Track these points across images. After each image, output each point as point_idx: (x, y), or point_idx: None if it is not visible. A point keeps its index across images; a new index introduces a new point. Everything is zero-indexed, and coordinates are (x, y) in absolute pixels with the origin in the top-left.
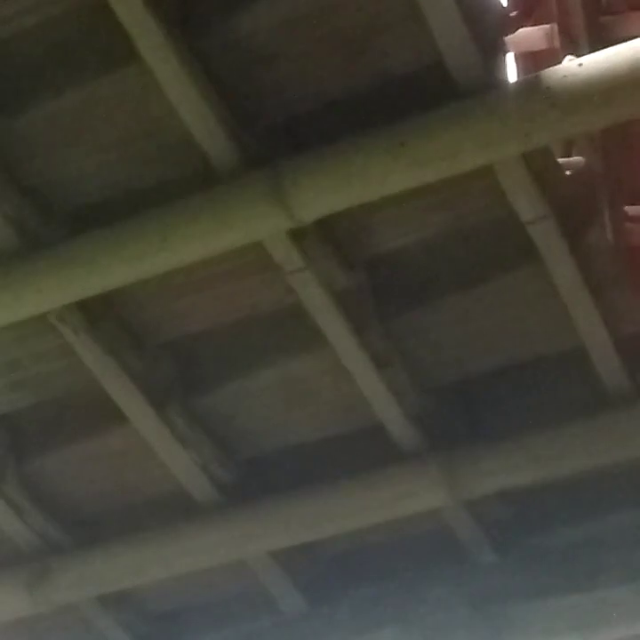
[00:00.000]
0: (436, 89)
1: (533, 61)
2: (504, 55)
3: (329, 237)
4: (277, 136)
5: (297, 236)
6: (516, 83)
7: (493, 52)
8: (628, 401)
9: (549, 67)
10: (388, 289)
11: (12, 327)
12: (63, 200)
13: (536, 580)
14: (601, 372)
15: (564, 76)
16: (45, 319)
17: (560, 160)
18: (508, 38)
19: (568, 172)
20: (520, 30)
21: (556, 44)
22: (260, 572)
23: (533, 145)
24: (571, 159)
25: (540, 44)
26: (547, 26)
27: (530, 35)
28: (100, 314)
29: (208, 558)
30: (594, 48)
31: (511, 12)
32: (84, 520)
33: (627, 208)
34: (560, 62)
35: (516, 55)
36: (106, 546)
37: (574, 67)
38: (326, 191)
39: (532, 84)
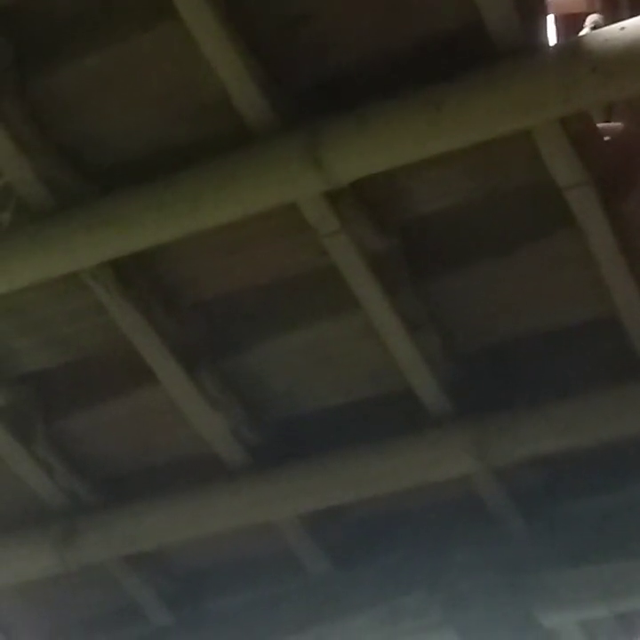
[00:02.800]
0: (474, 51)
1: (574, 23)
2: (544, 17)
3: (364, 200)
4: (314, 96)
5: (332, 198)
6: (556, 46)
7: (533, 14)
8: None
9: (586, 29)
10: (423, 253)
11: (44, 285)
12: (97, 157)
13: (565, 548)
14: (634, 341)
15: (606, 40)
16: (78, 278)
17: (599, 125)
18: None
19: (607, 138)
20: None
21: (598, 5)
22: (288, 534)
23: (573, 110)
24: (610, 124)
25: (581, 6)
26: None
27: None
28: (132, 273)
29: (235, 520)
30: (635, 11)
31: None
32: (113, 480)
33: None
34: (601, 25)
35: (555, 17)
36: (133, 506)
37: (616, 30)
38: (362, 153)
39: (572, 48)
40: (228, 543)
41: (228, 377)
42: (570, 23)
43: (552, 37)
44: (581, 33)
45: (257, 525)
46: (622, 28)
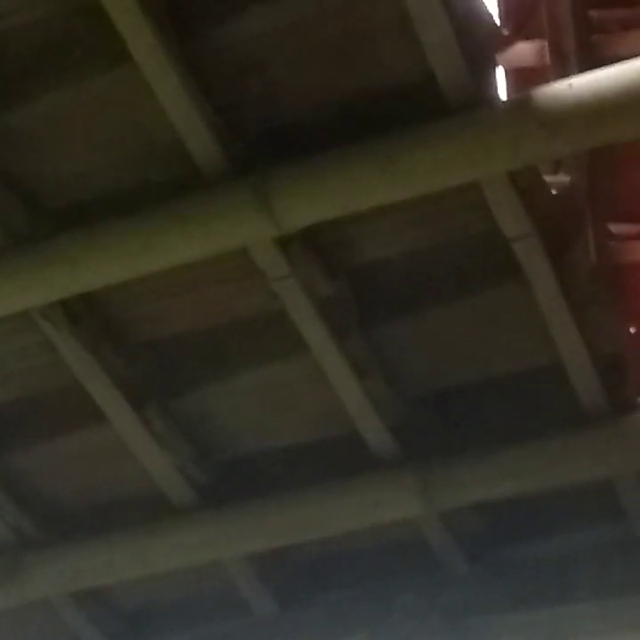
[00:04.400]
0: (425, 103)
1: (523, 77)
2: (495, 72)
3: (314, 245)
4: (265, 143)
5: (282, 243)
6: (506, 101)
7: (484, 69)
8: (605, 419)
9: (539, 83)
10: (371, 299)
11: None
12: (48, 197)
13: (508, 592)
14: (579, 390)
15: (554, 97)
16: (27, 315)
17: (546, 178)
18: (499, 54)
19: (554, 191)
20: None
21: (547, 60)
22: (234, 573)
23: (521, 163)
24: (557, 178)
25: (531, 60)
26: (537, 42)
27: (520, 50)
28: (82, 312)
29: (182, 558)
30: (584, 66)
31: (503, 28)
32: (59, 516)
33: (611, 226)
34: (550, 79)
35: (506, 70)
36: (80, 542)
37: (564, 87)
38: (312, 201)
39: (521, 103)
40: (174, 581)
41: (176, 416)
42: (520, 77)
43: (502, 90)
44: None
45: (203, 564)
46: (570, 85)
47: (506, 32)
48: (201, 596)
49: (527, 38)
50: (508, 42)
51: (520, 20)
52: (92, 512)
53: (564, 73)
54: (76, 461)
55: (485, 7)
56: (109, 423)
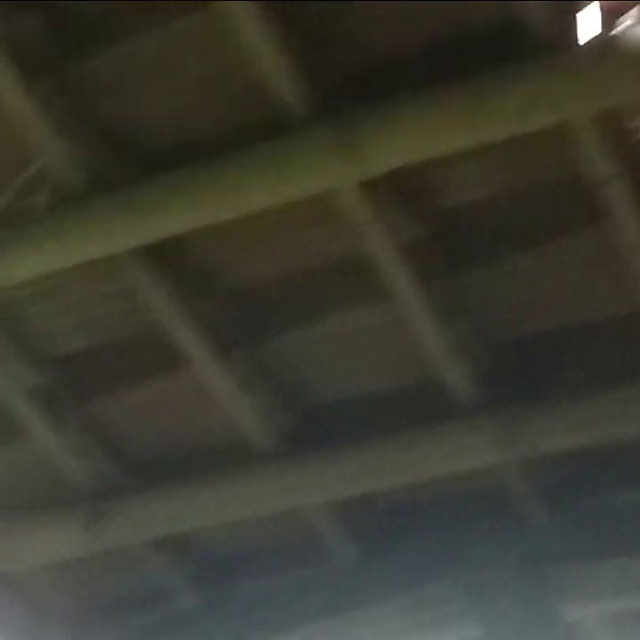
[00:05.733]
0: (511, 45)
1: (611, 14)
2: (581, 13)
3: (399, 189)
4: (352, 86)
5: (367, 187)
6: (592, 42)
7: (570, 10)
8: None
9: (627, 22)
10: (456, 243)
11: (81, 268)
12: (135, 142)
13: (587, 541)
14: None
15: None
16: (112, 261)
17: (632, 123)
18: None
19: None
20: None
21: None
22: (315, 521)
23: (607, 105)
24: None
25: None
26: None
27: None
28: (168, 257)
29: (264, 506)
30: None
31: None
32: (142, 463)
33: None
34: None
35: (601, 7)
36: (163, 489)
37: None
38: (398, 144)
39: (608, 44)
40: (257, 528)
41: (260, 362)
42: (607, 13)
43: (589, 29)
44: (619, 28)
45: (285, 511)
46: None
47: None
48: (282, 542)
49: None
50: None
51: None
52: (175, 458)
53: None
54: (161, 408)
55: None
56: (194, 370)
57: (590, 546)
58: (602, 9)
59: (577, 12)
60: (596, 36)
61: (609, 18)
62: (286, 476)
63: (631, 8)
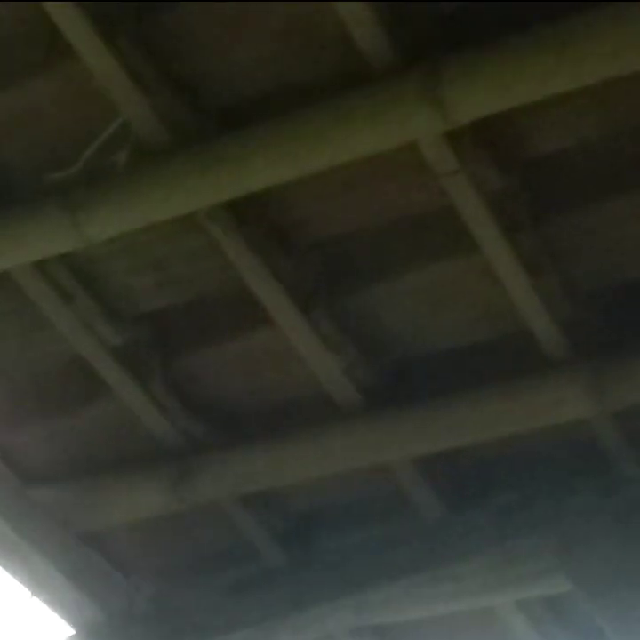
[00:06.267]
0: None
1: None
2: None
3: (484, 139)
4: (435, 33)
5: (451, 137)
6: None
7: None
8: None
9: None
10: (545, 192)
11: (161, 225)
12: (214, 95)
13: None
14: None
15: None
16: (194, 218)
17: None
18: None
19: None
20: None
21: None
22: (401, 476)
23: None
24: None
25: None
26: None
27: None
28: (249, 213)
29: (348, 461)
30: None
31: None
32: (228, 419)
33: None
34: None
35: None
36: (247, 446)
37: None
38: (484, 92)
39: None
40: (341, 484)
41: (343, 318)
42: None
43: None
44: None
45: (370, 467)
46: None
47: None
48: (368, 498)
49: None
50: None
51: None
52: (259, 415)
53: None
54: (244, 364)
55: None
56: (276, 326)
57: None
58: None
59: None
60: None
61: None
62: (370, 431)
63: None
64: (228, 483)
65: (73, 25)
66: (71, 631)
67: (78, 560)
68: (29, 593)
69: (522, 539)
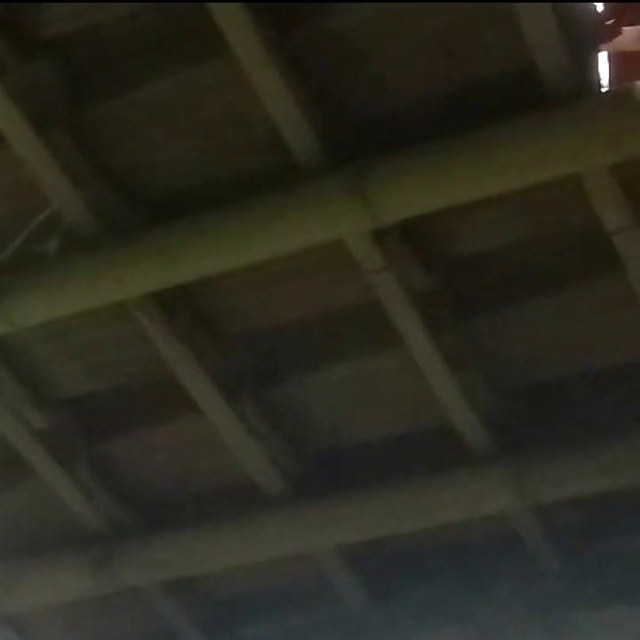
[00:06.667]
0: (526, 94)
1: (626, 62)
2: (597, 62)
3: (411, 238)
4: (364, 134)
5: (378, 235)
6: (609, 92)
7: (587, 59)
8: None
9: None
10: (467, 291)
11: (91, 312)
12: (146, 187)
13: (601, 588)
14: None
15: None
16: (123, 306)
17: None
18: (603, 44)
19: None
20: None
21: None
22: (325, 565)
23: (623, 155)
24: None
25: (634, 45)
26: None
27: (623, 35)
28: (177, 303)
29: (273, 549)
30: None
31: (607, 19)
32: (152, 505)
33: None
34: None
35: (608, 55)
36: (172, 531)
37: None
38: (410, 193)
39: (625, 95)
40: (266, 572)
41: (270, 407)
42: (622, 62)
43: (604, 77)
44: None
45: (295, 555)
46: None
47: (609, 21)
48: (292, 586)
49: (630, 23)
50: (612, 31)
51: (623, 6)
52: (184, 501)
53: None
54: (170, 451)
55: None
56: (202, 413)
57: (602, 592)
58: (612, 57)
59: (595, 61)
60: (612, 86)
61: (619, 64)
62: (295, 519)
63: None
64: (151, 568)
65: (4, 115)
66: None
67: None
68: None
69: (442, 630)
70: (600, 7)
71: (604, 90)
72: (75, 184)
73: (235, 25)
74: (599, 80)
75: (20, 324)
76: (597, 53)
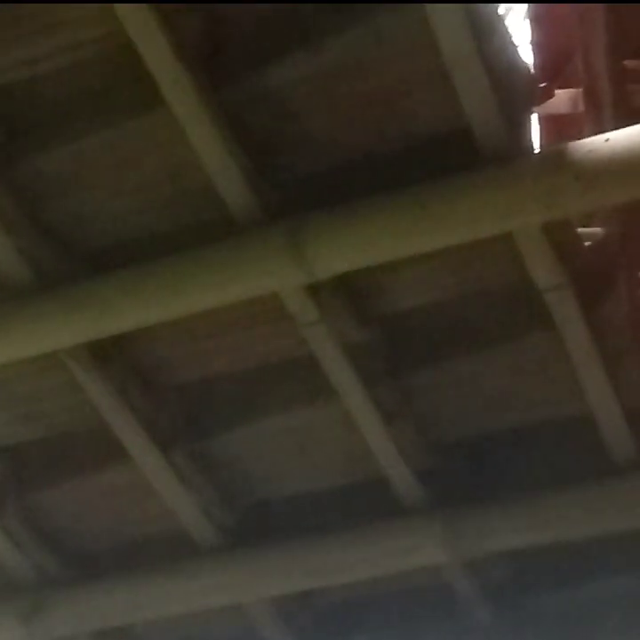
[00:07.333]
0: (460, 154)
1: (557, 124)
2: (530, 123)
3: (345, 292)
4: (299, 190)
5: (313, 289)
6: (541, 154)
7: (520, 120)
8: (634, 470)
9: (573, 131)
10: (401, 346)
11: (24, 362)
12: (81, 240)
13: None
14: (608, 441)
15: (589, 151)
16: (56, 356)
17: (579, 230)
18: (535, 106)
19: (587, 243)
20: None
21: (581, 108)
22: (257, 616)
23: (554, 216)
24: (590, 229)
25: (565, 108)
26: (572, 90)
27: (555, 98)
28: (111, 353)
29: (205, 600)
30: (619, 115)
31: (539, 81)
32: (83, 555)
33: None
34: (584, 128)
35: (539, 117)
36: (103, 582)
37: (600, 142)
38: (344, 249)
39: (556, 156)
40: (198, 622)
41: (203, 458)
42: (553, 124)
43: (535, 136)
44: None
45: (226, 606)
46: (607, 140)
47: (542, 83)
48: (224, 637)
49: (561, 86)
50: (544, 93)
51: (555, 69)
52: (115, 551)
53: (598, 122)
54: (102, 500)
55: (522, 58)
56: (135, 464)
57: None
58: (543, 119)
59: (528, 122)
60: (543, 146)
61: (548, 126)
62: (228, 570)
63: (573, 118)
64: (81, 619)
65: None
66: None
67: None
68: None
69: None
70: (533, 70)
71: (535, 151)
72: (8, 233)
73: (172, 80)
74: (531, 141)
75: None
76: (530, 115)
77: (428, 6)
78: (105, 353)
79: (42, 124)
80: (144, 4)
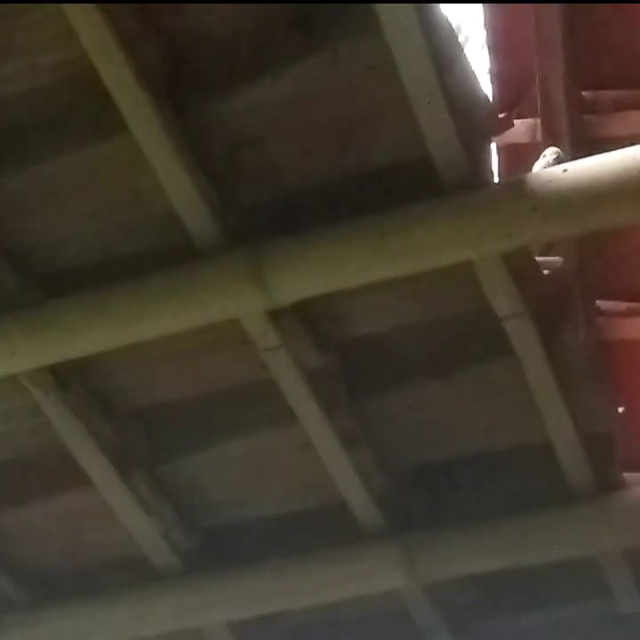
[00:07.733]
0: (420, 183)
1: (515, 154)
2: (490, 154)
3: (305, 318)
4: (260, 217)
5: (273, 315)
6: (500, 184)
7: (479, 150)
8: (591, 496)
9: (531, 161)
10: (360, 372)
11: None
12: (40, 263)
13: None
14: (566, 467)
15: (548, 181)
16: (16, 379)
17: (538, 259)
18: (495, 137)
19: (545, 272)
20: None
21: (539, 138)
22: None
23: (513, 246)
24: (549, 259)
25: (523, 138)
26: (530, 120)
27: (514, 127)
28: (70, 377)
29: (164, 624)
30: (576, 145)
31: (499, 111)
32: (41, 578)
33: (599, 303)
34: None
35: (497, 147)
36: (61, 605)
37: (559, 172)
38: (305, 276)
39: (515, 186)
40: None
41: (163, 482)
42: (511, 153)
43: (493, 166)
44: (536, 165)
45: (185, 630)
46: (565, 171)
47: (501, 114)
48: None
49: (519, 116)
50: (503, 124)
51: (513, 99)
52: (74, 575)
53: (557, 150)
54: (60, 524)
55: (482, 89)
56: (95, 488)
57: None
58: (502, 149)
59: (487, 152)
60: (503, 178)
61: (507, 156)
62: (187, 595)
63: (530, 148)
64: None
65: None
66: None
67: None
68: None
69: None
70: (492, 100)
71: (495, 180)
72: None
73: (134, 105)
74: (491, 171)
75: None
76: (489, 145)
77: (389, 35)
78: (65, 377)
79: (1, 146)
80: (105, 29)
